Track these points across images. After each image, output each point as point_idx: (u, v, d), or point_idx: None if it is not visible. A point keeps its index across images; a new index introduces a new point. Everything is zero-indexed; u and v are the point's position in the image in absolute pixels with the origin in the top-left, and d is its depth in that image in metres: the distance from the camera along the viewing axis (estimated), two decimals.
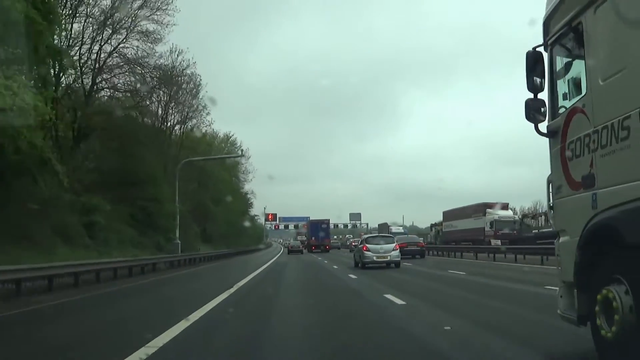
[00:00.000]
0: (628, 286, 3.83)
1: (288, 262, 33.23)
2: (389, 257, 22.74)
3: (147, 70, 32.68)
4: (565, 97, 5.01)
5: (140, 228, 29.62)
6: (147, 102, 35.95)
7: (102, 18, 29.81)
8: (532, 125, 5.06)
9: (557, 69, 5.06)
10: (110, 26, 30.43)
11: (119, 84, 32.50)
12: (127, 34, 31.15)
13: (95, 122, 28.83)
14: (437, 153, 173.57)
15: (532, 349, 5.58)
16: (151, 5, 31.27)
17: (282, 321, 8.27)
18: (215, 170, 53.10)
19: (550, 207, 5.22)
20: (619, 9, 4.03)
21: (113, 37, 30.72)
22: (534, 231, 43.04)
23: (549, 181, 5.21)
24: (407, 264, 26.49)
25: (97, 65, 30.69)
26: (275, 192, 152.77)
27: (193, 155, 42.84)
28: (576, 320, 4.57)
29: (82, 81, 30.19)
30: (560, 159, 4.87)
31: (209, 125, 46.72)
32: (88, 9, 29.17)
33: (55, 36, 22.82)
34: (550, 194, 5.18)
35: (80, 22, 29.23)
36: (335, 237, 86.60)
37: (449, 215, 56.69)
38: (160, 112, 41.95)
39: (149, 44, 31.78)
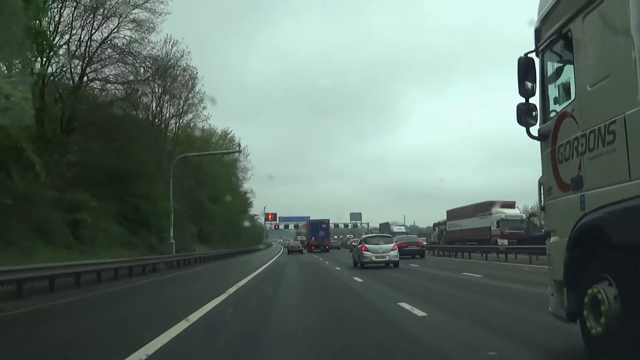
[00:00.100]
0: (615, 285, 3.93)
1: (288, 262, 32.78)
2: (387, 257, 22.69)
3: (140, 61, 31.08)
4: (555, 102, 5.12)
5: (131, 227, 27.70)
6: (139, 93, 34.07)
7: (92, 5, 28.34)
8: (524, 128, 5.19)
9: (548, 74, 5.17)
10: (101, 14, 28.90)
11: (110, 76, 30.87)
12: (118, 22, 29.62)
13: (84, 114, 27.14)
14: (437, 153, 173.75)
15: None
16: None
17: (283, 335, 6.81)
18: (213, 168, 51.57)
19: (542, 208, 5.37)
20: (606, 17, 4.11)
21: (104, 26, 29.24)
22: (542, 230, 41.42)
23: (540, 183, 5.33)
24: (414, 265, 25.43)
25: (87, 54, 29.05)
26: (275, 192, 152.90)
27: (189, 152, 41.08)
28: (566, 318, 4.73)
29: (70, 71, 28.59)
30: (551, 161, 4.99)
31: (206, 120, 44.86)
32: None
33: (37, 21, 21.40)
34: (542, 195, 5.30)
35: (71, 9, 27.72)
36: (335, 237, 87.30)
37: (453, 214, 54.95)
38: (154, 105, 40.17)
39: (142, 34, 30.30)
